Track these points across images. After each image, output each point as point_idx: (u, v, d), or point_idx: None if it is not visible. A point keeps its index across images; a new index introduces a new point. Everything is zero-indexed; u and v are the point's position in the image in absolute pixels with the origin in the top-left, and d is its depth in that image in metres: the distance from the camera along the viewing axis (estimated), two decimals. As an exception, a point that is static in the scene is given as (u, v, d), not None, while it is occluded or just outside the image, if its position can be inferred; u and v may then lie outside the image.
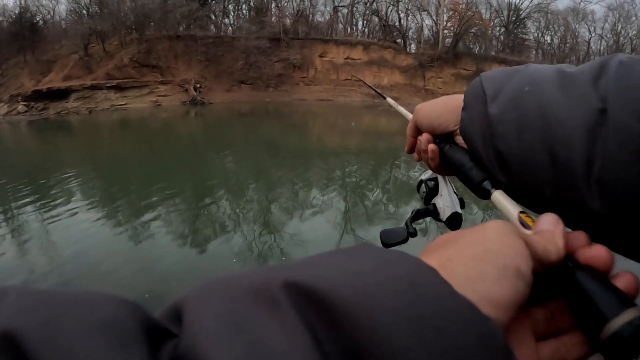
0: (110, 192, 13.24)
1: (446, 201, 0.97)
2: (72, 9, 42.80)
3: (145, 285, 7.17)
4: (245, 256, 8.82)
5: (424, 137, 0.88)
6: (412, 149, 0.97)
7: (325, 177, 16.33)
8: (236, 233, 10.10)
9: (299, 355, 0.28)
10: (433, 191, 1.00)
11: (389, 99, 1.29)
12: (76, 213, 10.93)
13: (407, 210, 12.40)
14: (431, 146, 0.86)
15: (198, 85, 39.49)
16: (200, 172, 16.72)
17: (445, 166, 0.86)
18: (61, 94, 34.12)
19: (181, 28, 43.96)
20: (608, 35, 53.79)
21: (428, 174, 1.02)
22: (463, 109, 0.75)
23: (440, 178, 0.98)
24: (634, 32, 52.77)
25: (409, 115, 1.00)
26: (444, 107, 0.84)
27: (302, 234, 10.26)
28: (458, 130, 0.78)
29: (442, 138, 0.85)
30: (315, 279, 0.33)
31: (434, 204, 0.99)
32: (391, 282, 0.34)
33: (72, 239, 9.23)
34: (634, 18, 52.37)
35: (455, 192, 0.98)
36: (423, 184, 1.03)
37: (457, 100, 0.80)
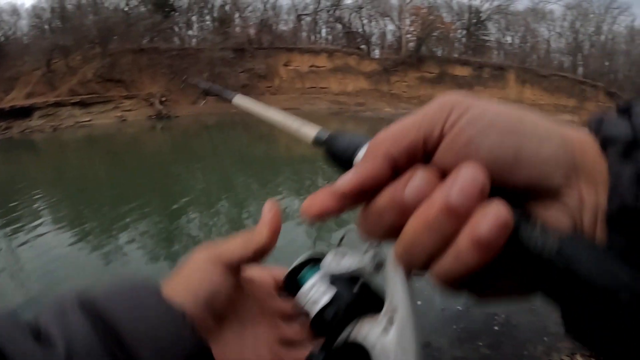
0: (79, 212, 13.04)
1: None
2: (34, 23, 42.32)
3: None
4: None
5: (474, 171, 0.35)
6: (362, 195, 0.42)
7: (295, 185, 16.78)
8: None
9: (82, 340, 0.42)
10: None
11: (237, 99, 0.83)
12: (45, 235, 10.70)
13: None
14: (503, 213, 0.33)
15: (163, 99, 39.35)
16: (170, 187, 16.61)
17: (509, 264, 0.36)
18: (24, 112, 33.59)
19: (145, 41, 43.72)
20: (567, 33, 55.12)
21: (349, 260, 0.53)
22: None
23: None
24: (592, 29, 54.12)
25: (309, 131, 0.61)
26: (560, 140, 0.38)
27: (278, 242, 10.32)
28: (560, 197, 0.36)
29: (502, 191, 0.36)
30: (98, 295, 0.47)
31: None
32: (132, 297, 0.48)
33: (43, 264, 9.05)
34: (591, 15, 53.76)
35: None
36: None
37: (576, 136, 0.39)
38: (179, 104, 40.58)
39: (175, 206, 13.52)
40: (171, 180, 17.84)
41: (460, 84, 48.01)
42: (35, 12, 41.93)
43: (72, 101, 35.47)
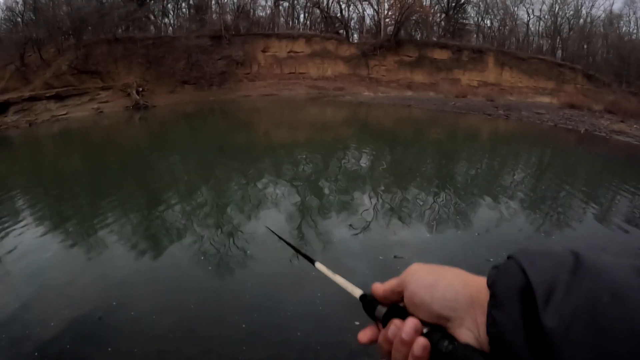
0: (60, 208, 12.86)
1: None
2: (6, 17, 41.49)
3: (105, 299, 7.28)
4: (204, 258, 9.05)
5: (411, 322, 0.67)
6: (371, 336, 0.77)
7: (277, 172, 16.95)
8: (193, 237, 10.23)
9: None
10: None
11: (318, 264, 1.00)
12: (25, 231, 10.67)
13: (358, 196, 13.25)
14: (421, 340, 0.65)
15: (140, 89, 39.04)
16: (150, 178, 16.59)
17: None
18: (-1, 108, 33.34)
19: (120, 30, 43.21)
20: (546, 17, 55.22)
21: None
22: (493, 305, 0.60)
23: None
24: (571, 12, 54.20)
25: (357, 291, 0.83)
26: (462, 285, 0.67)
27: (256, 229, 10.54)
28: (464, 322, 0.64)
29: (434, 327, 0.67)
30: None
31: None
32: None
33: (22, 258, 9.07)
34: (570, -1, 53.78)
35: None
36: None
37: (476, 281, 0.67)
38: (156, 93, 40.44)
39: (156, 198, 13.59)
40: (151, 171, 17.85)
41: (439, 67, 48.16)
42: (7, 4, 41.17)
43: (47, 95, 35.01)
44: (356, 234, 10.39)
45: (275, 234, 1.35)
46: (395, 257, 8.92)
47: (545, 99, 42.87)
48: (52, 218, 11.94)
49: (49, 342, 6.30)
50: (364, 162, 19.11)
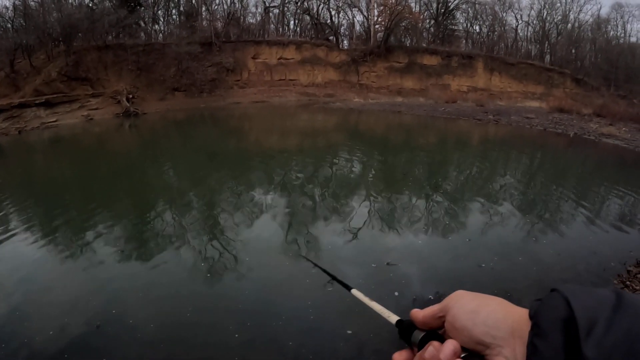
0: (50, 216, 12.72)
1: None
2: (-4, 23, 41.00)
3: (104, 307, 7.29)
4: (196, 266, 9.04)
5: (451, 344, 0.68)
6: (407, 357, 0.77)
7: (269, 178, 16.98)
8: (185, 245, 10.19)
9: None
10: None
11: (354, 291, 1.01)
12: (17, 240, 10.60)
13: (350, 203, 13.26)
14: None
15: (130, 96, 38.88)
16: (141, 186, 16.59)
17: None
18: (-13, 116, 32.91)
19: (110, 37, 43.09)
20: (534, 22, 55.74)
21: None
22: (535, 334, 0.61)
23: None
24: (559, 17, 54.72)
25: (393, 318, 0.83)
26: (504, 314, 0.68)
27: (250, 237, 10.58)
28: (502, 350, 0.65)
29: (472, 353, 0.69)
30: None
31: None
32: None
33: (16, 268, 9.01)
34: (558, 4, 54.38)
35: None
36: None
37: (518, 312, 0.68)
38: (146, 100, 40.30)
39: (150, 206, 13.59)
40: (144, 179, 17.86)
41: (429, 72, 48.43)
42: (-3, 11, 40.62)
43: (37, 102, 34.69)
44: (349, 241, 10.39)
45: (311, 261, 1.39)
46: (388, 263, 8.94)
47: (535, 104, 43.25)
48: (47, 228, 11.82)
49: (47, 351, 6.31)
50: (356, 168, 19.14)
